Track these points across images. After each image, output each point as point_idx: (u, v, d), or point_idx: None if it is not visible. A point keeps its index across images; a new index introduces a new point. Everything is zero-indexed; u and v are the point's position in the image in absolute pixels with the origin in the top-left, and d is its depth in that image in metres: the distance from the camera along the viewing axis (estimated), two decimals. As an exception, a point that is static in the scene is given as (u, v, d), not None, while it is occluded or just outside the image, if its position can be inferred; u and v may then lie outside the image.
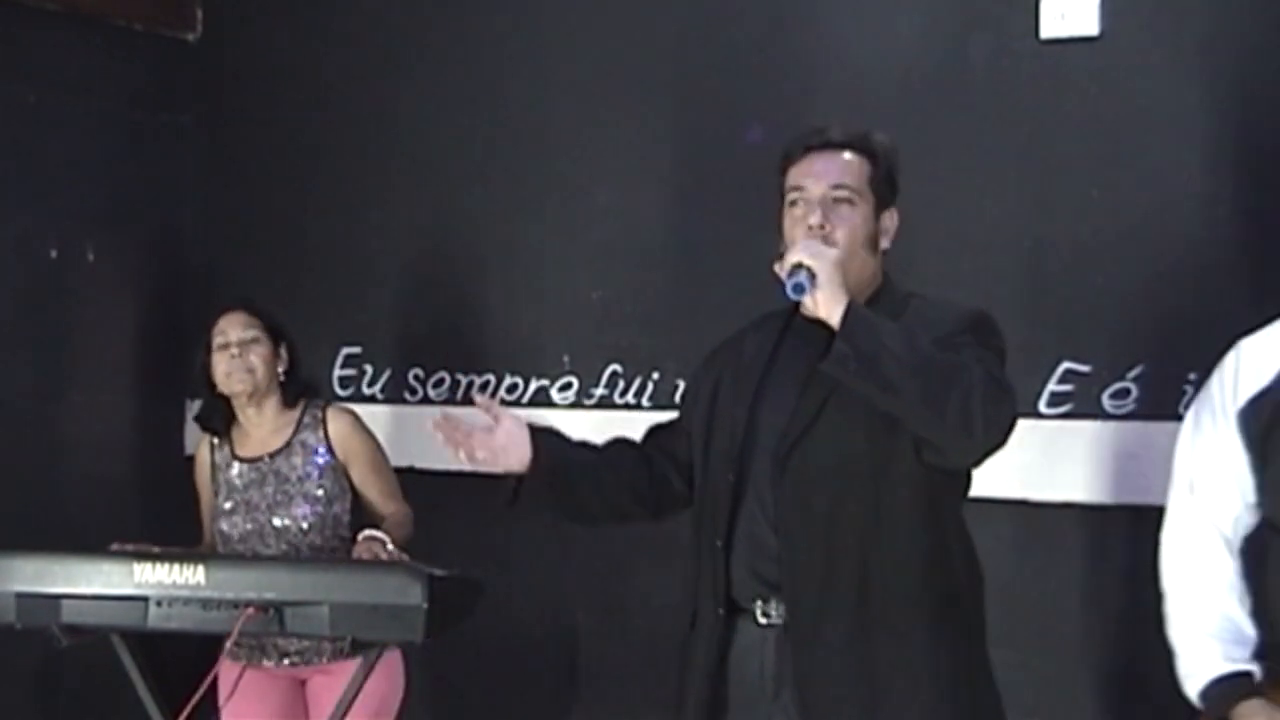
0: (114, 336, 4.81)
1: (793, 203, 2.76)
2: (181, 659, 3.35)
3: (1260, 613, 2.63)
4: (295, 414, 3.80)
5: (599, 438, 3.03)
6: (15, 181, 4.52)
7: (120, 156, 4.82)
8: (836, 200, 2.73)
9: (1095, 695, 3.65)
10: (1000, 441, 2.58)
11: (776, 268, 2.60)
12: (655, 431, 3.02)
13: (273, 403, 3.79)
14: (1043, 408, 3.65)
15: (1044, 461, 3.60)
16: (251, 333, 3.76)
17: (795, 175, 2.77)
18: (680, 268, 4.12)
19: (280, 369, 3.80)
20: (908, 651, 2.66)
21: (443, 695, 4.51)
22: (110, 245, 4.77)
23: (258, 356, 3.75)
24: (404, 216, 4.69)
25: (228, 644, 3.19)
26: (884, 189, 2.78)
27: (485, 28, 4.52)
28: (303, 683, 3.76)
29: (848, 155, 2.76)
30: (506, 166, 4.49)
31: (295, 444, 3.75)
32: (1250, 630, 2.63)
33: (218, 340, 3.75)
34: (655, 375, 4.19)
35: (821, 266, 2.55)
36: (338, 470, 3.75)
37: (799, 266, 2.55)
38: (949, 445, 2.59)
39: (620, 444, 2.99)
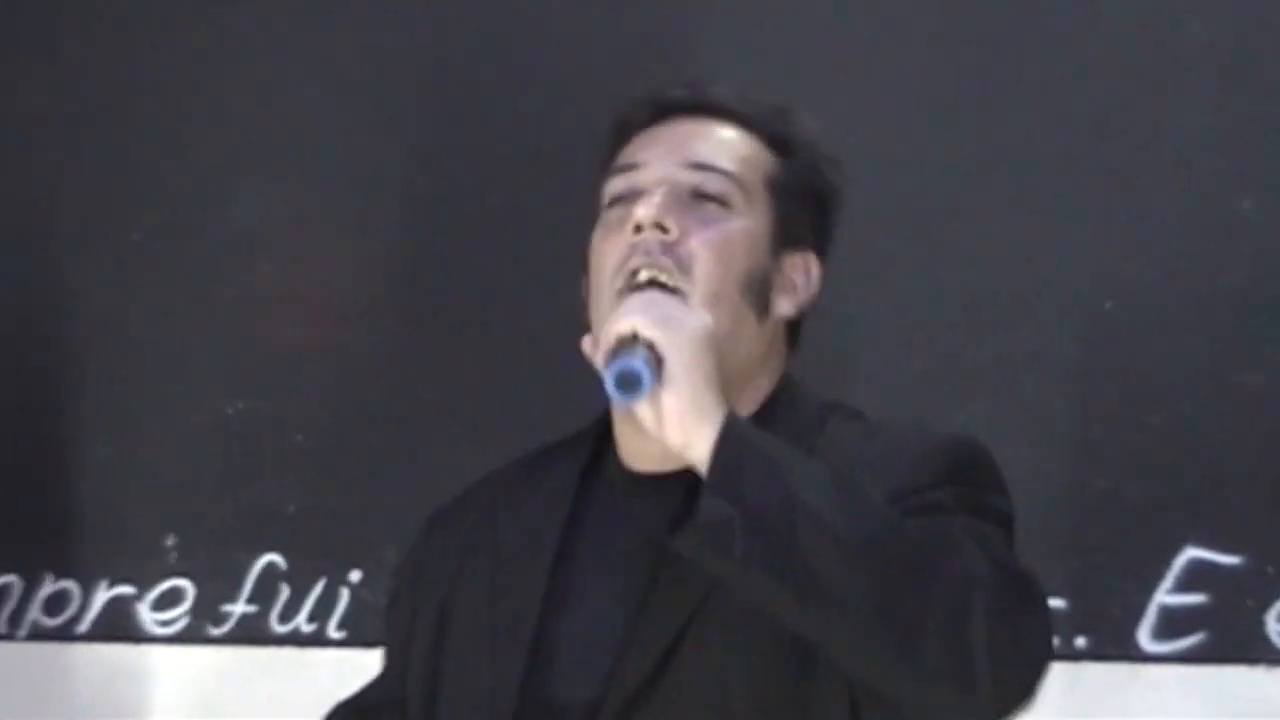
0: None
1: (613, 201, 1.63)
2: None
3: None
4: None
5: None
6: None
7: None
8: (697, 194, 1.59)
9: None
10: (1024, 697, 1.50)
11: (587, 346, 1.54)
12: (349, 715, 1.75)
13: None
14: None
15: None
16: None
17: (629, 151, 1.65)
18: (415, 332, 2.74)
19: None
20: None
21: None
22: None
23: None
24: None
25: None
26: (795, 207, 1.63)
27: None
28: None
29: (730, 132, 1.63)
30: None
31: None
32: None
33: None
34: (354, 574, 2.74)
35: (673, 339, 1.47)
36: None
37: (631, 340, 1.48)
38: (928, 706, 1.51)
39: None
